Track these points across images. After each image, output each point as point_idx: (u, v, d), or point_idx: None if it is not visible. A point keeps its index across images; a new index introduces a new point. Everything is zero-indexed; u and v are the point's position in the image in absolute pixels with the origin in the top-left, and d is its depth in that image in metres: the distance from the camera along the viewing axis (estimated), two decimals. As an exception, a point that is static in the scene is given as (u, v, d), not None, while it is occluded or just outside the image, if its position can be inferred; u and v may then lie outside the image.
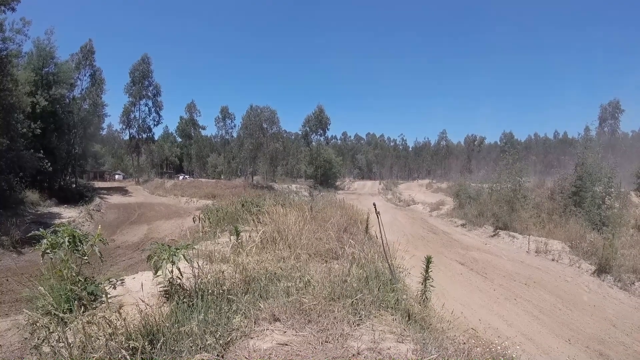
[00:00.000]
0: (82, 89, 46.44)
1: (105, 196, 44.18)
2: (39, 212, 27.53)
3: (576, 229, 17.69)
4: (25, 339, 4.57)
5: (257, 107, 63.11)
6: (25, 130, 26.20)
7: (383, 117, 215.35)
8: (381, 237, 6.63)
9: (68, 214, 28.74)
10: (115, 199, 43.66)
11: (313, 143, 79.35)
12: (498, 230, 20.77)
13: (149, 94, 65.57)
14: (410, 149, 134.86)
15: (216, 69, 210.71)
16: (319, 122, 78.31)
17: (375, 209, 6.99)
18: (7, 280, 10.78)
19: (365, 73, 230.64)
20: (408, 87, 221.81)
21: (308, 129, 79.90)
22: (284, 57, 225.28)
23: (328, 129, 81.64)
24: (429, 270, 5.76)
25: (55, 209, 30.13)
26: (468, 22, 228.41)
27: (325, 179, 73.88)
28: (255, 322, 4.28)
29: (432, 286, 5.86)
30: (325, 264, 6.58)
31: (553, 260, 15.33)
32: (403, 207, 39.06)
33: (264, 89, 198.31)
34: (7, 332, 4.99)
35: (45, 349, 4.02)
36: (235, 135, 79.13)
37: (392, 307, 4.98)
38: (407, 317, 4.84)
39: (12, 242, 16.83)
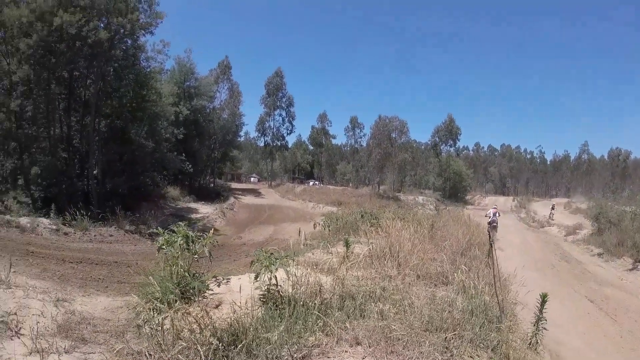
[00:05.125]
0: (221, 101, 53.17)
1: (239, 196, 48.02)
2: (178, 206, 31.22)
3: None
4: (132, 318, 5.20)
5: (386, 117, 63.12)
6: (168, 135, 30.20)
7: (519, 126, 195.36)
8: (493, 268, 6.04)
9: (204, 209, 31.96)
10: (248, 199, 47.20)
11: (442, 154, 76.66)
12: (638, 264, 17.62)
13: (283, 104, 71.28)
14: (548, 162, 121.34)
15: (346, 80, 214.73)
16: (449, 132, 76.00)
17: (490, 237, 6.42)
18: (137, 263, 12.30)
19: (500, 83, 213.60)
20: (546, 93, 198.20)
21: (437, 139, 77.89)
22: (414, 69, 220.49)
23: (459, 140, 78.86)
24: (544, 310, 5.03)
25: (193, 205, 33.78)
26: (613, 23, 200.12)
27: (454, 192, 70.68)
28: (337, 341, 4.12)
29: (544, 328, 5.10)
30: (432, 289, 6.17)
31: (700, 308, 12.59)
32: (537, 229, 35.39)
33: (393, 99, 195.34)
34: (119, 310, 5.87)
35: (146, 330, 4.50)
36: (364, 144, 79.94)
37: (492, 349, 4.40)
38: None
39: (149, 230, 19.07)
